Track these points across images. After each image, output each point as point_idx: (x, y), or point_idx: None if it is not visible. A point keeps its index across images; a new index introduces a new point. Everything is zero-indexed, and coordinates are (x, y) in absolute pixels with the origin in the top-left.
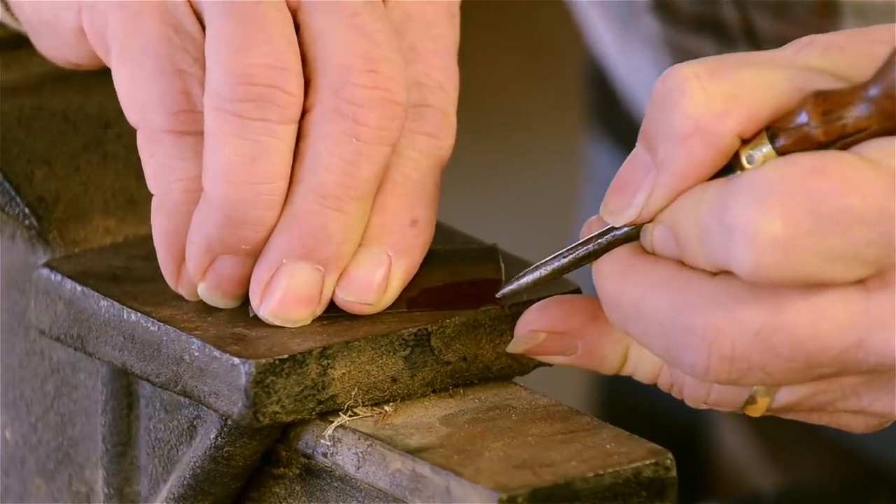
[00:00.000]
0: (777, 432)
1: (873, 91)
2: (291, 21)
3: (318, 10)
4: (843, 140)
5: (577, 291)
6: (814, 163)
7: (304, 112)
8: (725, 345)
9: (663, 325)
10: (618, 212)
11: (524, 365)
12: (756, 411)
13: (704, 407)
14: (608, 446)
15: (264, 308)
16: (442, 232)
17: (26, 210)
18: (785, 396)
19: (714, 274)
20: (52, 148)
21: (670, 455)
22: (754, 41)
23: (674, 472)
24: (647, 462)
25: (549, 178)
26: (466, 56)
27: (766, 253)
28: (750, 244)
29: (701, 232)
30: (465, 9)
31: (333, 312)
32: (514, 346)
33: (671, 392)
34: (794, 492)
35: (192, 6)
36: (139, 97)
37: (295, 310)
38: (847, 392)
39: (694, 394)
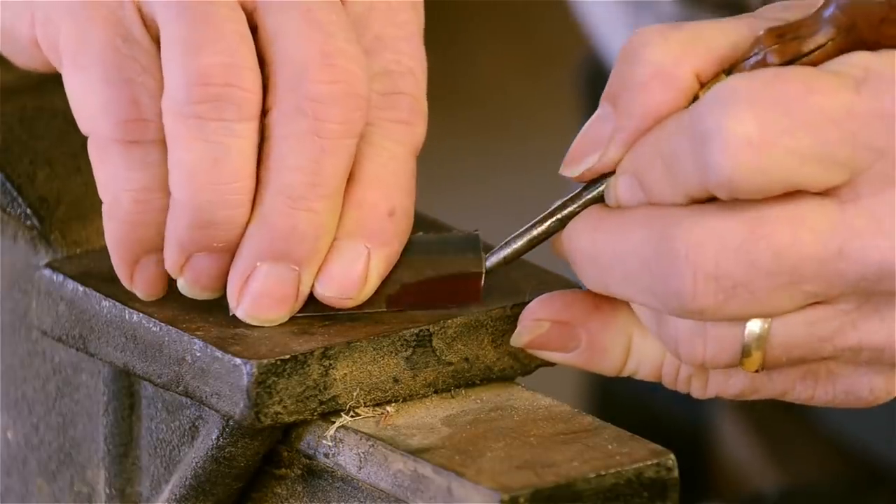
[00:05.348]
0: (778, 432)
1: (828, 11)
2: (244, 18)
3: (273, 10)
4: (799, 60)
5: (578, 289)
6: (775, 71)
7: (266, 112)
8: (709, 262)
9: (644, 258)
10: (579, 159)
11: (526, 365)
12: (752, 364)
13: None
14: (610, 447)
15: (241, 309)
16: (421, 223)
17: (28, 210)
18: (779, 336)
19: (687, 205)
20: (54, 148)
21: (672, 456)
22: None
23: (675, 473)
24: (649, 463)
25: (547, 178)
26: (467, 56)
27: (743, 154)
28: (726, 147)
29: (668, 161)
30: (464, 10)
31: (321, 311)
32: (518, 337)
33: (676, 384)
34: (796, 492)
35: (142, 15)
36: (88, 106)
37: (270, 310)
38: (844, 323)
39: (690, 351)
